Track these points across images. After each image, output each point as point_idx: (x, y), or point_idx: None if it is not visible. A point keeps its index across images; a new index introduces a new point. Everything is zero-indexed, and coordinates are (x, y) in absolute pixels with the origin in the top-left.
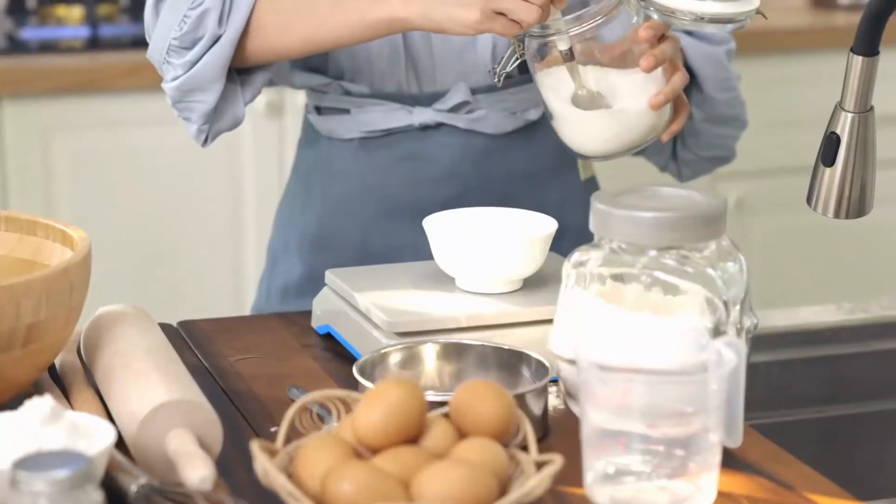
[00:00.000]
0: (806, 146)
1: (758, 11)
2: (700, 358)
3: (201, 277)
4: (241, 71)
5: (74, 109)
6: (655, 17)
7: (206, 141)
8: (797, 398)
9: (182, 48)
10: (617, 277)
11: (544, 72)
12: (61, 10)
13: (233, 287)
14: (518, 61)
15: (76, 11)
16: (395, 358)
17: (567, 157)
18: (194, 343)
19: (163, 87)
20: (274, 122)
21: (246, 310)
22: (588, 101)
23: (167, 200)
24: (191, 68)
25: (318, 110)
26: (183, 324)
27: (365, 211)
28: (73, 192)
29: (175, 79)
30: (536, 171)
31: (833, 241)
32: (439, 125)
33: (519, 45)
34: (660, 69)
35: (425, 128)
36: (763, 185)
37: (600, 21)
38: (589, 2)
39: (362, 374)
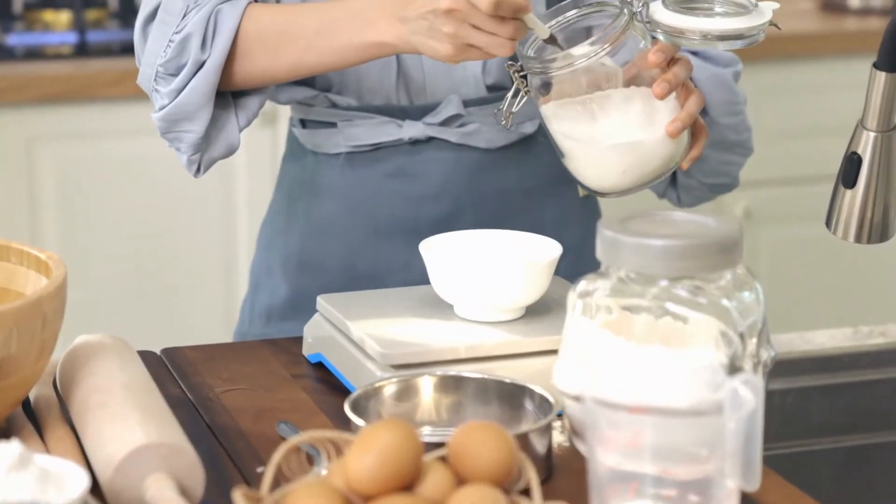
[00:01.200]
0: (816, 155)
1: (771, 23)
2: (715, 397)
3: (191, 292)
4: (236, 94)
5: (61, 118)
6: (662, 38)
7: (198, 171)
8: (813, 427)
9: (168, 75)
10: (626, 307)
11: (550, 105)
12: (48, 16)
13: (224, 302)
14: (524, 99)
15: (64, 17)
16: (390, 391)
17: (565, 173)
18: (178, 373)
19: (152, 117)
20: (267, 131)
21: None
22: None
23: (157, 213)
24: (176, 97)
25: (304, 124)
26: (167, 351)
27: (352, 230)
28: (59, 205)
29: (162, 108)
30: (532, 188)
31: (846, 254)
32: (430, 139)
33: (522, 82)
34: (673, 93)
35: (415, 142)
36: (772, 196)
37: (607, 50)
38: (592, 30)
39: (355, 409)
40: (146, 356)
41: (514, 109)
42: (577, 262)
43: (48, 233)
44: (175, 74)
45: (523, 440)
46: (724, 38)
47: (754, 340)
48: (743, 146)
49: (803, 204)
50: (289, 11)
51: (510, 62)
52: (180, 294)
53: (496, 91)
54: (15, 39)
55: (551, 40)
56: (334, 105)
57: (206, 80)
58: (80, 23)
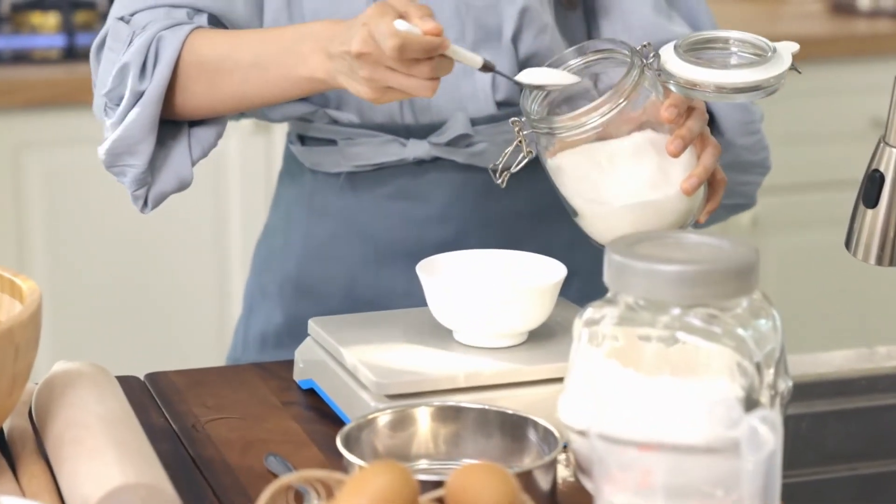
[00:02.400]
0: (825, 161)
1: (791, 68)
2: (731, 434)
3: (182, 303)
4: (192, 123)
5: (49, 124)
6: (674, 89)
7: (144, 206)
8: (829, 454)
9: (111, 107)
10: (634, 336)
11: (556, 159)
12: (36, 18)
13: (216, 318)
14: (526, 160)
15: (52, 19)
16: (384, 422)
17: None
18: (162, 400)
19: (98, 151)
20: (261, 139)
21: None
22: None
23: (147, 223)
24: (116, 129)
25: (302, 140)
26: (151, 377)
27: (352, 253)
28: (46, 214)
29: (106, 141)
30: (542, 210)
31: (858, 263)
32: (435, 160)
33: (526, 141)
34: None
35: (420, 162)
36: (780, 203)
37: (622, 105)
38: (599, 77)
39: (347, 442)
40: (129, 381)
41: (513, 170)
42: (588, 287)
43: (35, 243)
44: (117, 106)
45: (526, 478)
46: (740, 90)
47: (771, 371)
48: (761, 165)
49: (813, 211)
50: (227, 42)
51: (515, 119)
52: (171, 306)
53: (506, 107)
54: (1, 43)
55: (486, 68)
56: (334, 122)
57: (146, 112)
58: (68, 25)
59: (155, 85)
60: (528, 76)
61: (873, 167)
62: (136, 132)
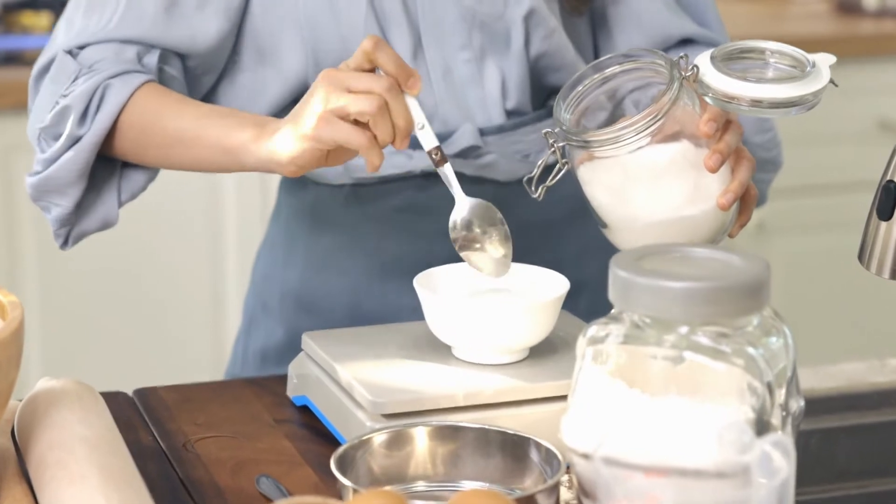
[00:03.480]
0: (832, 163)
1: (829, 81)
2: (742, 460)
3: (176, 312)
4: (126, 163)
5: None
6: (710, 102)
7: (65, 244)
8: (839, 472)
9: (45, 140)
10: (640, 355)
11: (587, 168)
12: (27, 18)
13: (211, 326)
14: (563, 172)
15: (44, 19)
16: (380, 441)
17: (585, 204)
18: (150, 417)
19: (25, 179)
20: None
21: (223, 360)
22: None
23: (140, 229)
24: (48, 167)
25: None
26: (139, 393)
27: (356, 268)
28: (37, 219)
29: (34, 174)
30: (551, 222)
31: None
32: None
33: (559, 152)
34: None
35: (427, 175)
36: (785, 206)
37: (661, 122)
38: (632, 93)
39: (342, 464)
40: (117, 398)
41: (549, 183)
42: (598, 299)
43: (26, 250)
44: (52, 143)
45: (528, 503)
46: (778, 105)
47: (783, 391)
48: (773, 162)
49: (819, 214)
50: (156, 108)
51: (548, 130)
52: (164, 316)
53: (516, 117)
54: None
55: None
56: None
57: (80, 157)
58: None
59: (93, 132)
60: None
61: (888, 178)
62: (67, 175)
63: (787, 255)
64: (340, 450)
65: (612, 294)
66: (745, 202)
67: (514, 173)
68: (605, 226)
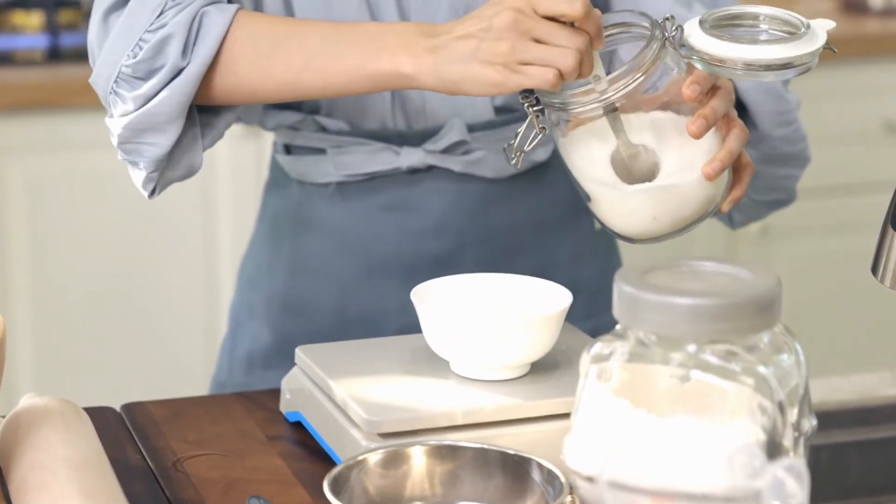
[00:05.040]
0: (837, 165)
1: (826, 46)
2: (753, 485)
3: (169, 315)
4: (202, 109)
5: (32, 128)
6: (699, 66)
7: (153, 192)
8: (850, 488)
9: (135, 78)
10: (645, 373)
11: (569, 139)
12: (18, 17)
13: (204, 330)
14: (540, 137)
15: (35, 18)
16: (376, 460)
17: (580, 204)
18: (138, 434)
19: (107, 123)
20: (251, 145)
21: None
22: (635, 161)
23: (134, 232)
24: (145, 104)
25: (288, 150)
26: (127, 408)
27: (343, 268)
28: (28, 222)
29: (125, 115)
30: (544, 222)
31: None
32: (430, 168)
33: (537, 118)
34: (712, 128)
35: (414, 171)
36: (789, 208)
37: (639, 80)
38: (616, 54)
39: (336, 485)
40: (104, 413)
41: (526, 148)
42: (593, 303)
43: (16, 253)
44: (145, 78)
45: None
46: (770, 67)
47: (795, 410)
48: (799, 157)
49: (824, 217)
50: (288, 23)
51: (525, 94)
52: (157, 319)
53: (505, 114)
54: None
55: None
56: (323, 129)
57: (183, 90)
58: (51, 25)
59: (197, 62)
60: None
61: None
62: (169, 109)
63: (791, 259)
64: (335, 471)
65: (617, 310)
66: (738, 175)
67: (503, 170)
68: (588, 199)
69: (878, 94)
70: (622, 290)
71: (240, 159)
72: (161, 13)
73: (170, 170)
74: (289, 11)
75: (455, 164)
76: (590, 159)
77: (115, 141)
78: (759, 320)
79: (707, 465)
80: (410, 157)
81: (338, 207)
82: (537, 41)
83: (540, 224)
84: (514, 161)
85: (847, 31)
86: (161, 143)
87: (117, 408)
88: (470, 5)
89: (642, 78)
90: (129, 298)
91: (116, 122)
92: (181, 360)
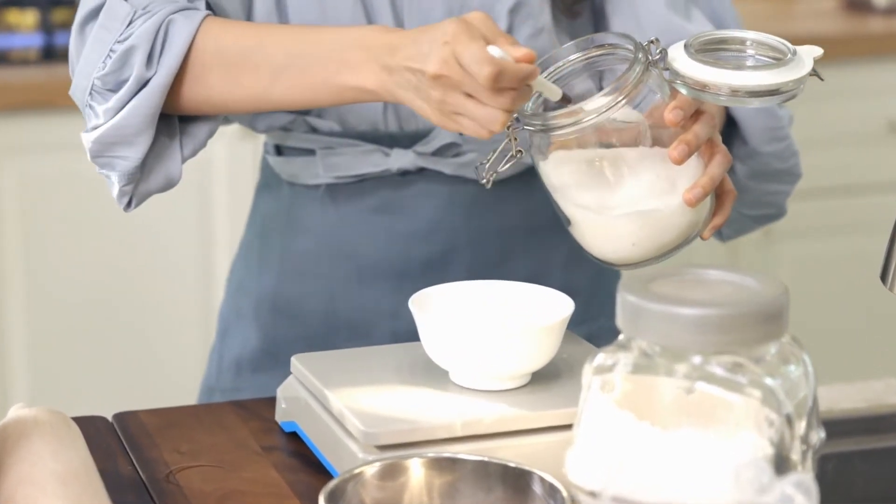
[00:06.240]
0: (841, 165)
1: (813, 72)
2: (760, 501)
3: (165, 323)
4: (183, 118)
5: (26, 129)
6: (683, 91)
7: (129, 205)
8: (857, 498)
9: (106, 90)
10: (649, 384)
11: (550, 162)
12: (12, 16)
13: (201, 333)
14: (514, 160)
15: (29, 17)
16: (373, 472)
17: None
18: (130, 445)
19: (81, 136)
20: (248, 146)
21: None
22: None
23: (130, 231)
24: (113, 116)
25: (279, 150)
26: (119, 417)
27: (332, 271)
28: (22, 223)
29: (96, 128)
30: (537, 225)
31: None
32: (421, 170)
33: (514, 140)
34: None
35: (405, 173)
36: (793, 209)
37: (620, 104)
38: (603, 76)
39: (332, 499)
40: (95, 423)
41: (500, 169)
42: (588, 308)
43: (10, 254)
44: (114, 90)
45: None
46: (755, 94)
47: (803, 422)
48: (790, 173)
49: (828, 218)
50: (254, 34)
51: None
52: (152, 321)
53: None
54: None
55: (564, 100)
56: (313, 130)
57: (150, 101)
58: (46, 24)
59: (163, 73)
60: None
61: None
62: (136, 121)
63: (793, 261)
64: (331, 484)
65: (621, 320)
66: (720, 201)
67: None
68: (569, 223)
69: (881, 94)
70: (626, 300)
71: (236, 161)
72: (130, 23)
73: (144, 182)
74: (282, 11)
75: (446, 166)
76: (571, 184)
77: (88, 155)
78: (766, 331)
79: (713, 480)
80: (401, 159)
81: (328, 210)
82: (468, 95)
83: (533, 227)
84: (485, 181)
85: (850, 30)
86: (131, 156)
87: (110, 416)
88: (465, 4)
89: (624, 101)
90: (124, 302)
91: (88, 135)
92: (177, 367)
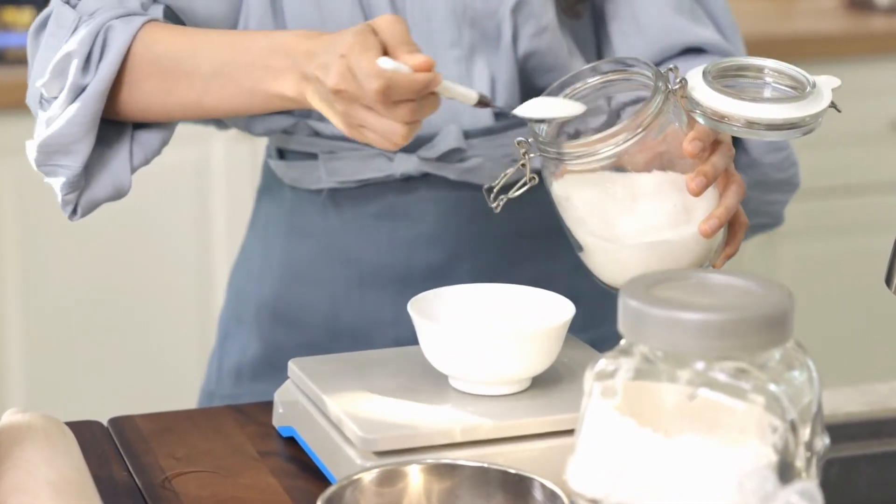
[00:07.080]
0: (843, 165)
1: (831, 105)
2: None
3: (163, 326)
4: (136, 125)
5: (23, 129)
6: (701, 121)
7: (74, 213)
8: (862, 502)
9: (51, 98)
10: (651, 390)
11: (563, 184)
12: (9, 14)
13: (199, 337)
14: (527, 187)
15: (26, 15)
16: (372, 481)
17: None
18: (126, 450)
19: (26, 145)
20: (246, 148)
21: None
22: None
23: (126, 237)
24: (52, 124)
25: (281, 154)
26: (114, 422)
27: (334, 277)
28: (19, 225)
29: (39, 137)
30: (542, 231)
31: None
32: (425, 176)
33: (527, 166)
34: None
35: (408, 178)
36: (795, 210)
37: (639, 136)
38: (615, 101)
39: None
40: (90, 428)
41: (511, 195)
42: (594, 314)
43: (6, 256)
44: (56, 98)
45: None
46: (773, 127)
47: (807, 429)
48: (788, 183)
49: (829, 218)
50: (187, 42)
51: (520, 139)
52: (150, 323)
53: (504, 119)
54: None
55: (482, 104)
56: (316, 134)
57: (87, 109)
58: None
59: (99, 79)
60: (529, 109)
61: None
62: (73, 130)
63: (795, 261)
64: (329, 490)
65: (622, 325)
66: (733, 231)
67: None
68: (580, 249)
69: (884, 93)
70: (627, 305)
71: (234, 163)
72: (75, 29)
73: (89, 190)
74: (277, 12)
75: (450, 171)
76: (585, 210)
77: (33, 165)
78: (770, 336)
79: (716, 488)
80: (404, 164)
81: (330, 215)
82: (369, 107)
83: (536, 233)
84: (494, 204)
85: (852, 29)
86: (70, 164)
87: (105, 421)
88: (468, 4)
89: (643, 133)
90: (120, 305)
91: (31, 143)
92: (174, 371)
